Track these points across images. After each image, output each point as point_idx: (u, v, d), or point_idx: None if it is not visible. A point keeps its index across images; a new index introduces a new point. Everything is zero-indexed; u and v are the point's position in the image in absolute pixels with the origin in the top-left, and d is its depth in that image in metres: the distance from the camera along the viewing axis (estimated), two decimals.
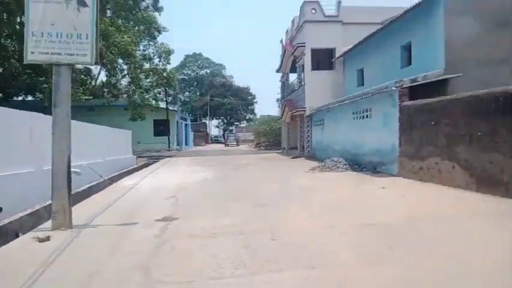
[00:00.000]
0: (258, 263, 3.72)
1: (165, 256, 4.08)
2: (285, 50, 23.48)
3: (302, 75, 21.00)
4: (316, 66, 20.14)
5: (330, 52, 20.37)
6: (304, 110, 19.64)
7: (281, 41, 27.32)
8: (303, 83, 20.16)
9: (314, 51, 19.68)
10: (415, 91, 10.49)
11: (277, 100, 55.49)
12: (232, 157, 23.44)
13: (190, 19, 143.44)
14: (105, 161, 12.72)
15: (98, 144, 12.15)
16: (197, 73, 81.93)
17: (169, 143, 34.49)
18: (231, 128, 76.75)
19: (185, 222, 5.77)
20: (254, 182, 10.25)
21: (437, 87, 10.71)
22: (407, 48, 13.50)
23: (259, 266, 3.65)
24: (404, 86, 10.41)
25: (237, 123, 72.09)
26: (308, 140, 19.69)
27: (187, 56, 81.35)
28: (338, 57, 19.20)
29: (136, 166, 17.23)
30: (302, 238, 4.60)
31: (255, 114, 68.71)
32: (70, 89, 5.73)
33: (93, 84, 24.05)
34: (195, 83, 77.37)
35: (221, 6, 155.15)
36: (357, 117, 13.23)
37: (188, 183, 10.36)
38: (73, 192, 8.57)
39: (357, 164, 12.76)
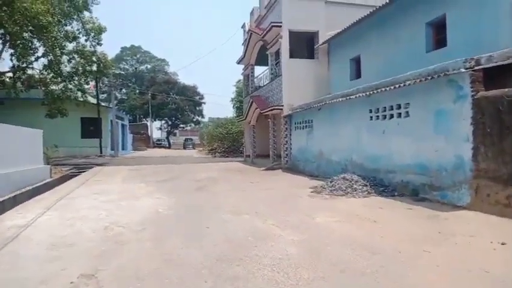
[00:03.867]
0: None
1: None
2: (250, 35, 19.22)
3: (276, 65, 16.90)
4: (293, 54, 16.14)
5: (311, 37, 16.55)
6: (281, 109, 15.51)
7: (243, 26, 23.08)
8: (279, 74, 16.03)
9: (292, 35, 15.66)
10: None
11: (232, 100, 51.11)
12: (185, 167, 18.51)
13: (128, 8, 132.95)
14: None
15: None
16: (136, 68, 74.43)
17: (100, 147, 28.27)
18: (175, 130, 70.45)
19: None
20: (246, 224, 5.76)
21: (502, 73, 7.22)
22: (437, 25, 10.03)
23: None
24: (476, 68, 6.69)
25: (183, 125, 65.97)
26: (286, 148, 15.56)
27: (123, 49, 73.41)
28: (323, 43, 15.39)
29: (46, 181, 11.76)
30: None
31: (203, 116, 63.29)
32: None
33: None
34: (134, 79, 69.96)
35: None
36: (378, 116, 9.34)
37: (126, 228, 5.56)
38: None
39: (381, 184, 8.88)
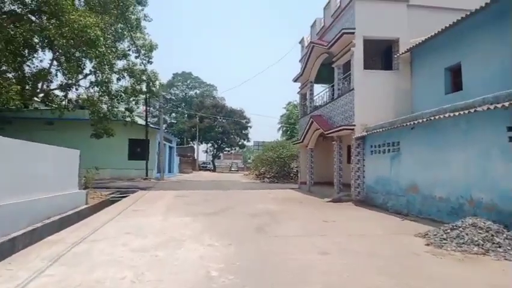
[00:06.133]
0: None
1: None
2: (312, 48, 16.99)
3: (345, 78, 14.43)
4: (365, 66, 13.57)
5: (387, 46, 13.98)
6: (352, 129, 12.87)
7: (301, 41, 21.03)
8: (349, 89, 13.49)
9: (366, 43, 13.20)
10: None
11: (281, 122, 49.09)
12: (235, 194, 16.26)
13: (179, 35, 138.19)
14: None
15: None
16: (185, 93, 75.62)
17: (146, 170, 27.01)
18: (220, 154, 69.62)
19: None
20: None
21: None
22: None
23: None
24: None
25: (228, 148, 64.83)
26: (358, 176, 12.78)
27: (175, 75, 75.31)
28: (406, 52, 12.71)
29: (78, 210, 10.02)
30: None
31: (248, 140, 61.65)
32: None
33: (38, 83, 16.67)
34: (183, 104, 70.65)
35: (212, 24, 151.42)
36: None
37: None
38: None
39: None
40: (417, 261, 5.16)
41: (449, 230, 6.42)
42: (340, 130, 13.51)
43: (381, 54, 15.09)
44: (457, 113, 7.61)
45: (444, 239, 6.20)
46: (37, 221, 7.40)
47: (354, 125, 12.77)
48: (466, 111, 7.31)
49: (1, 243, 5.60)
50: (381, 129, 11.10)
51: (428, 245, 6.12)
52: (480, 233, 6.02)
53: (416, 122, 9.22)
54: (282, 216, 9.41)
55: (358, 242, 6.39)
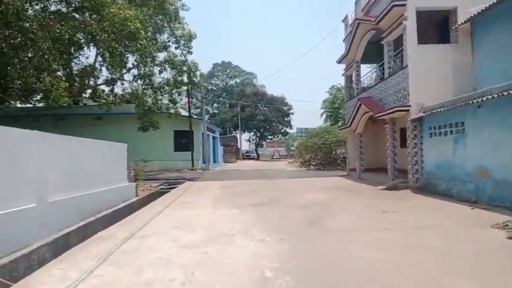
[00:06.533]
0: None
1: None
2: (357, 25, 15.91)
3: (395, 56, 13.33)
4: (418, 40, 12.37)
5: (444, 16, 12.64)
6: (407, 110, 11.86)
7: (345, 19, 19.84)
8: (402, 66, 12.42)
9: (420, 15, 12.01)
10: None
11: (324, 108, 47.81)
12: (281, 183, 15.84)
13: (214, 24, 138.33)
14: (48, 203, 5.84)
15: (18, 171, 5.25)
16: (226, 83, 76.01)
17: (192, 160, 27.38)
18: (263, 142, 69.56)
19: None
20: None
21: None
22: None
23: None
24: None
25: (271, 136, 64.50)
26: (416, 161, 11.80)
27: (215, 65, 75.85)
28: (465, 22, 11.38)
29: (129, 202, 10.24)
30: None
31: (291, 127, 60.82)
32: None
33: (85, 79, 17.18)
34: (224, 93, 71.16)
35: (251, 15, 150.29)
36: None
37: None
38: None
39: None
40: (505, 260, 4.41)
41: None
42: (393, 112, 12.51)
43: (435, 27, 13.71)
44: None
45: None
46: (89, 215, 7.51)
47: (410, 106, 11.74)
48: None
49: (56, 238, 5.68)
50: (441, 109, 10.04)
51: (510, 238, 5.30)
52: None
53: (483, 99, 8.15)
54: (335, 207, 8.83)
55: (427, 236, 5.69)
